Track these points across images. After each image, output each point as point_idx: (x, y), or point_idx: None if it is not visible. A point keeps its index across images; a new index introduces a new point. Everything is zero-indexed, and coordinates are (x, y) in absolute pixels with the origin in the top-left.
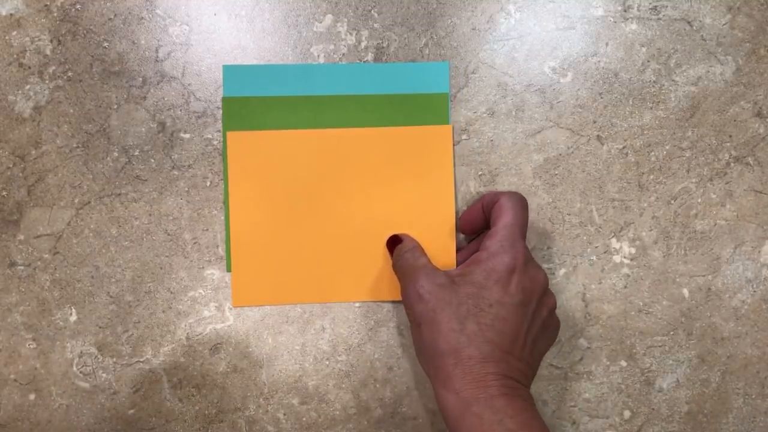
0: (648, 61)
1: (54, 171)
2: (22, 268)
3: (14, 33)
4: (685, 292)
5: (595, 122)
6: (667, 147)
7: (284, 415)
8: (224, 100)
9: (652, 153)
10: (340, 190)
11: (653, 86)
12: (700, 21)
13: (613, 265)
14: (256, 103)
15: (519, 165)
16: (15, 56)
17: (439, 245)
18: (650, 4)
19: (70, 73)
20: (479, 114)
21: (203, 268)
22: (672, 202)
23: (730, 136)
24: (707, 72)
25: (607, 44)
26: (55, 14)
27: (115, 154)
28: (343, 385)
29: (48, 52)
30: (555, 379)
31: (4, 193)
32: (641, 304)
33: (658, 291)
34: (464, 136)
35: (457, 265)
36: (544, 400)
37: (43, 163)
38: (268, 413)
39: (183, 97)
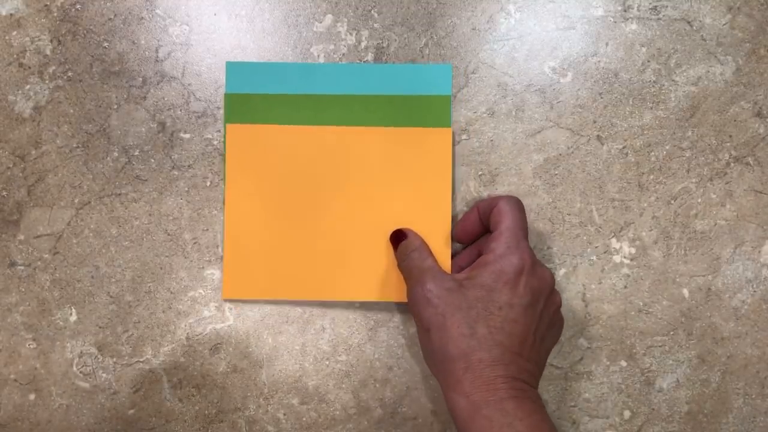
0: (648, 61)
1: (54, 171)
2: (22, 268)
3: (14, 33)
4: (685, 292)
5: (595, 122)
6: (667, 147)
7: (284, 415)
8: (226, 96)
9: (652, 153)
10: (338, 187)
11: (653, 86)
12: (700, 21)
13: (613, 265)
14: (257, 101)
15: (519, 165)
16: (15, 56)
17: (435, 246)
18: (650, 4)
19: (70, 73)
20: (479, 114)
21: (203, 268)
22: (672, 202)
23: (730, 136)
24: (707, 72)
25: (607, 44)
26: (55, 14)
27: (115, 154)
28: (343, 385)
29: (48, 52)
30: (555, 379)
31: (4, 193)
32: (641, 304)
33: (658, 291)
34: (464, 136)
35: (456, 269)
36: (544, 400)
37: (43, 163)
38: (268, 413)
39: (183, 97)
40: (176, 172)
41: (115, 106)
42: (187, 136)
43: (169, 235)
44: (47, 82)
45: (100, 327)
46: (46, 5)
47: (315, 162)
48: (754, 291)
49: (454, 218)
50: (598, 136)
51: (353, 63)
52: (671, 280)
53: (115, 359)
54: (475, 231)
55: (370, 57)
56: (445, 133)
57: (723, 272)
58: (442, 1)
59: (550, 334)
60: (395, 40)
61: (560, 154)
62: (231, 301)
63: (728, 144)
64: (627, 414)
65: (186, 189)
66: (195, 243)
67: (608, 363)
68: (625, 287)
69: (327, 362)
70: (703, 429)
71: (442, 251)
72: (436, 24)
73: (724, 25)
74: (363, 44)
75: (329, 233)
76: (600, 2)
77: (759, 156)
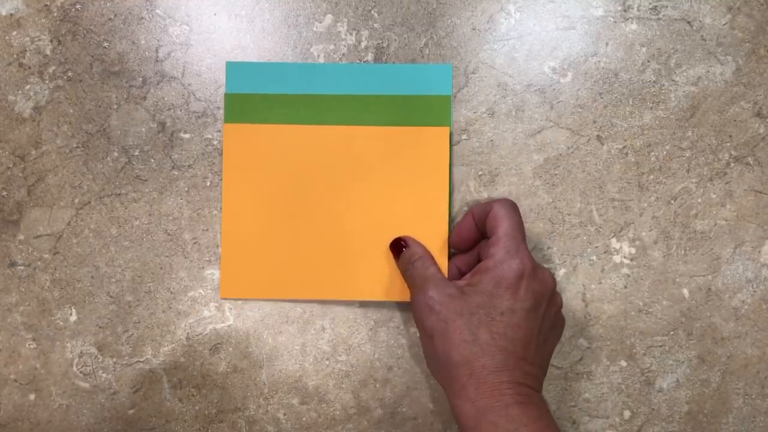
0: (648, 61)
1: (54, 171)
2: (22, 268)
3: (14, 33)
4: (685, 292)
5: (595, 122)
6: (667, 147)
7: (284, 415)
8: (226, 96)
9: (652, 153)
10: (335, 186)
11: (653, 86)
12: (700, 21)
13: (613, 265)
14: (257, 101)
15: (519, 165)
16: (15, 56)
17: (433, 247)
18: (650, 4)
19: (70, 73)
20: (479, 114)
21: (203, 268)
22: (672, 202)
23: (730, 136)
24: (707, 72)
25: (607, 44)
26: (55, 14)
27: (115, 154)
28: (343, 385)
29: (48, 52)
30: (555, 379)
31: (4, 193)
32: (641, 304)
33: (658, 291)
34: (464, 136)
35: (454, 272)
36: (545, 400)
37: (43, 163)
38: (268, 413)
39: (183, 97)
40: (176, 172)
41: (115, 106)
42: (187, 136)
43: (169, 235)
44: (47, 82)
45: (100, 327)
46: (46, 5)
47: (312, 161)
48: (754, 291)
49: (453, 219)
50: (598, 136)
51: (353, 63)
52: (671, 280)
53: (115, 359)
54: (471, 237)
55: (370, 57)
56: (442, 132)
57: (723, 272)
58: (442, 1)
59: (552, 335)
60: (395, 40)
61: (560, 154)
62: (229, 300)
63: (728, 144)
64: (627, 414)
65: (186, 189)
66: (195, 243)
67: (608, 363)
68: (625, 287)
69: (327, 362)
70: (703, 429)
71: (439, 252)
72: (436, 24)
73: (724, 25)
74: (363, 44)
75: (326, 232)
76: (600, 2)
77: (759, 156)
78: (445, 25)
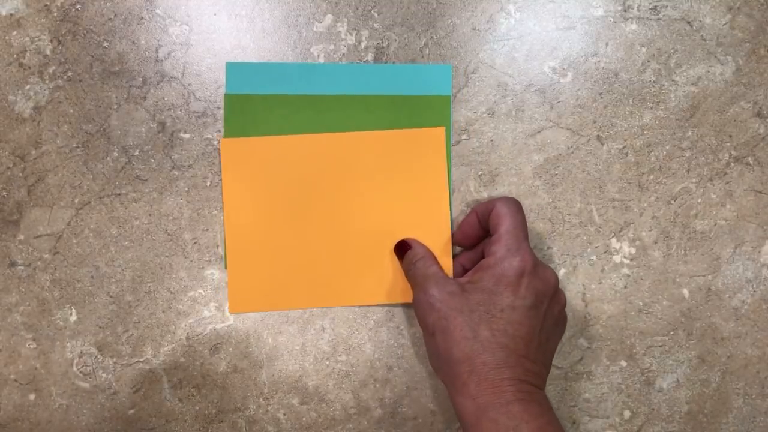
0: (648, 61)
1: (54, 171)
2: (22, 268)
3: (14, 33)
4: (685, 292)
5: (595, 122)
6: (667, 147)
7: (284, 415)
8: (226, 96)
9: (652, 153)
10: (336, 194)
11: (653, 86)
12: (700, 21)
13: (613, 265)
14: (258, 101)
15: (519, 165)
16: (15, 56)
17: (436, 247)
18: (650, 4)
19: (70, 73)
20: (479, 114)
21: (203, 268)
22: (672, 202)
23: (730, 136)
24: (707, 72)
25: (607, 44)
26: (55, 14)
27: (115, 154)
28: (343, 385)
29: (48, 52)
30: (555, 379)
31: (4, 193)
32: (641, 304)
33: (658, 291)
34: (464, 136)
35: (458, 270)
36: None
37: (43, 163)
38: (268, 413)
39: (183, 97)
40: (176, 172)
41: (115, 106)
42: (187, 136)
43: (169, 235)
44: (47, 82)
45: (100, 327)
46: (46, 5)
47: (311, 171)
48: (754, 291)
49: (454, 219)
50: (598, 136)
51: (353, 63)
52: (671, 280)
53: (115, 359)
54: (475, 234)
55: (370, 57)
56: (439, 132)
57: (723, 272)
58: (442, 1)
59: (555, 333)
60: (395, 40)
61: (560, 154)
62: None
63: (728, 144)
64: (627, 414)
65: (186, 189)
66: (195, 243)
67: (608, 363)
68: (625, 287)
69: (327, 362)
70: (703, 429)
71: (443, 251)
72: (436, 24)
73: (724, 25)
74: (363, 44)
75: (330, 240)
76: (600, 2)
77: (759, 156)
78: (445, 25)
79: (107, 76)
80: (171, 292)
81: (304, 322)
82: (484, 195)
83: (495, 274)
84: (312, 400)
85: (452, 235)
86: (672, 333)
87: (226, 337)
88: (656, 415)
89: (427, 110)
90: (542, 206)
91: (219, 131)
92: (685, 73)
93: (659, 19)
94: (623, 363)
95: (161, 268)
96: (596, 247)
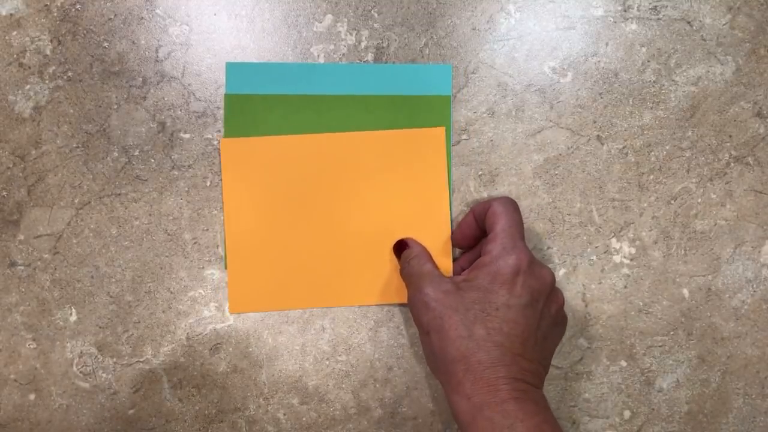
0: (648, 61)
1: (54, 171)
2: (22, 268)
3: (14, 33)
4: (685, 292)
5: (595, 122)
6: (667, 147)
7: (284, 415)
8: (226, 97)
9: (652, 153)
10: (336, 195)
11: (653, 86)
12: (700, 21)
13: (613, 265)
14: (258, 101)
15: (519, 165)
16: (15, 56)
17: (436, 247)
18: (650, 4)
19: (70, 73)
20: (479, 114)
21: (203, 268)
22: (672, 202)
23: (730, 136)
24: (707, 72)
25: (607, 44)
26: (55, 14)
27: (115, 154)
28: (343, 385)
29: (48, 52)
30: (555, 379)
31: (4, 193)
32: (641, 304)
33: (658, 291)
34: (464, 136)
35: (457, 271)
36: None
37: (43, 163)
38: (268, 413)
39: (183, 97)
40: (176, 172)
41: (115, 106)
42: (187, 136)
43: (169, 235)
44: (47, 82)
45: (100, 327)
46: (46, 5)
47: (311, 171)
48: (754, 291)
49: (454, 219)
50: (598, 136)
51: (353, 63)
52: (671, 280)
53: (115, 359)
54: (473, 235)
55: (370, 57)
56: (438, 132)
57: (723, 272)
58: (442, 1)
59: (553, 333)
60: (395, 40)
61: (560, 154)
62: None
63: (728, 144)
64: (627, 414)
65: (186, 189)
66: (195, 243)
67: (608, 363)
68: (625, 287)
69: (327, 362)
70: (703, 429)
71: (443, 251)
72: (436, 24)
73: (724, 25)
74: (363, 44)
75: (330, 241)
76: (600, 2)
77: (759, 156)
78: (445, 25)
79: (107, 76)
80: (171, 292)
81: (304, 322)
82: (484, 195)
83: (490, 272)
84: (312, 400)
85: (451, 235)
86: (672, 333)
87: (226, 337)
88: (656, 415)
89: (427, 110)
90: (542, 206)
91: (219, 131)
92: (685, 73)
93: (659, 19)
94: (623, 363)
95: (161, 268)
96: (596, 247)
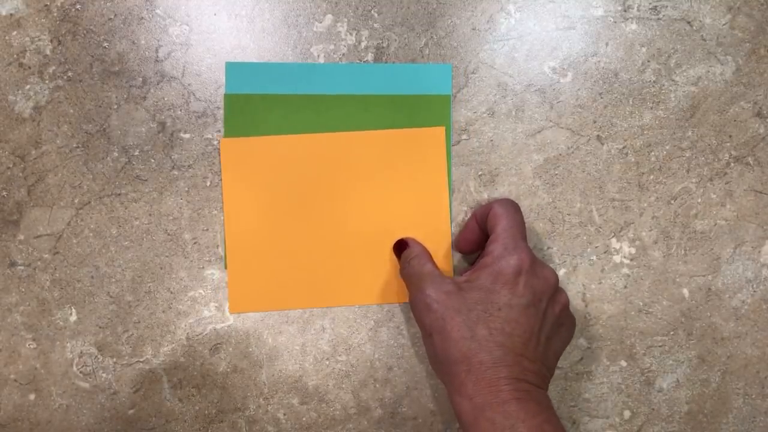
0: (648, 61)
1: (54, 171)
2: (22, 268)
3: (14, 33)
4: (685, 292)
5: (595, 122)
6: (667, 147)
7: (284, 415)
8: (226, 97)
9: (652, 153)
10: (336, 194)
11: (653, 86)
12: (700, 21)
13: (613, 265)
14: (257, 101)
15: (519, 165)
16: (15, 56)
17: (436, 247)
18: (650, 4)
19: (70, 73)
20: (479, 114)
21: (203, 268)
22: (672, 202)
23: (730, 136)
24: (707, 72)
25: (607, 44)
26: (55, 14)
27: (115, 154)
28: (343, 385)
29: (48, 52)
30: (555, 379)
31: (4, 193)
32: (641, 304)
33: (658, 291)
34: (464, 136)
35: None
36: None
37: (43, 163)
38: (268, 413)
39: (183, 97)
40: (176, 172)
41: (115, 106)
42: (187, 136)
43: (169, 235)
44: (47, 82)
45: (100, 327)
46: (46, 5)
47: (311, 171)
48: (754, 291)
49: (454, 218)
50: (598, 136)
51: (353, 63)
52: (671, 280)
53: (115, 359)
54: (476, 240)
55: (370, 57)
56: (438, 132)
57: (723, 272)
58: (442, 1)
59: (558, 334)
60: (395, 40)
61: (560, 154)
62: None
63: (728, 144)
64: (627, 414)
65: (186, 189)
66: (195, 243)
67: (608, 363)
68: (625, 287)
69: (327, 362)
70: (703, 429)
71: (443, 251)
72: (436, 24)
73: (724, 25)
74: (363, 44)
75: (330, 240)
76: (600, 2)
77: (759, 156)
78: (445, 25)
79: (107, 76)
80: (171, 292)
81: (304, 322)
82: (484, 195)
83: (492, 272)
84: (312, 400)
85: (454, 240)
86: (672, 333)
87: (226, 337)
88: (656, 415)
89: (426, 110)
90: (542, 206)
91: (219, 131)
92: (685, 73)
93: (659, 19)
94: (623, 363)
95: (161, 268)
96: (596, 247)
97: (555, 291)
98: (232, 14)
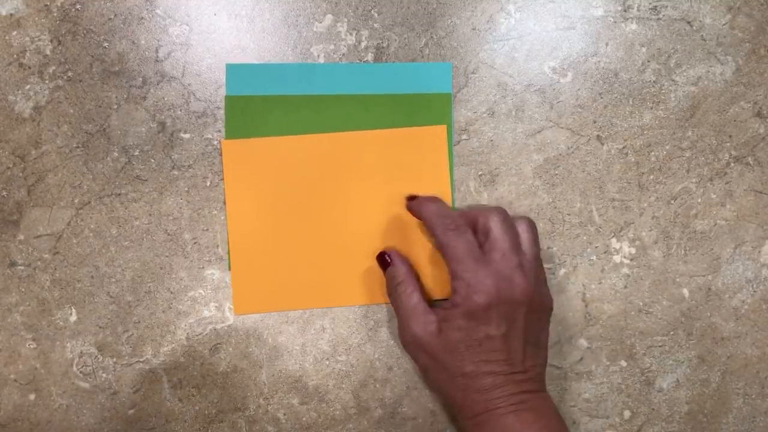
0: (648, 61)
1: (54, 171)
2: (22, 268)
3: (14, 33)
4: (685, 292)
5: (595, 122)
6: (667, 147)
7: (284, 415)
8: (227, 98)
9: (652, 153)
10: (339, 194)
11: (653, 86)
12: (700, 21)
13: (613, 265)
14: (258, 102)
15: (519, 165)
16: (15, 56)
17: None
18: (650, 4)
19: (70, 73)
20: (479, 114)
21: (203, 268)
22: (672, 202)
23: (730, 136)
24: (707, 72)
25: (607, 44)
26: (55, 14)
27: (115, 154)
28: (343, 385)
29: (48, 52)
30: (555, 379)
31: (4, 193)
32: (641, 304)
33: (658, 291)
34: (464, 136)
35: None
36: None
37: (43, 163)
38: (268, 413)
39: (183, 97)
40: (176, 172)
41: (115, 106)
42: (187, 136)
43: (169, 235)
44: (47, 82)
45: (100, 327)
46: (46, 5)
47: (313, 171)
48: (754, 291)
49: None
50: (598, 136)
51: (353, 63)
52: (671, 280)
53: (115, 359)
54: None
55: (370, 57)
56: (439, 131)
57: (723, 272)
58: (442, 1)
59: (542, 329)
60: (395, 40)
61: (560, 154)
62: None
63: (728, 144)
64: (627, 414)
65: (186, 189)
66: (195, 243)
67: (608, 363)
68: (625, 287)
69: (327, 362)
70: (703, 429)
71: None
72: (436, 24)
73: (724, 25)
74: (363, 44)
75: (333, 240)
76: (600, 2)
77: (759, 156)
78: (445, 25)
79: (107, 76)
80: (171, 292)
81: (304, 322)
82: (484, 195)
83: (464, 312)
84: (312, 400)
85: None
86: (672, 333)
87: (226, 337)
88: (656, 415)
89: (427, 108)
90: (542, 206)
91: (219, 131)
92: (685, 73)
93: (659, 19)
94: (623, 363)
95: (161, 268)
96: (596, 247)
97: (527, 303)
98: (232, 14)
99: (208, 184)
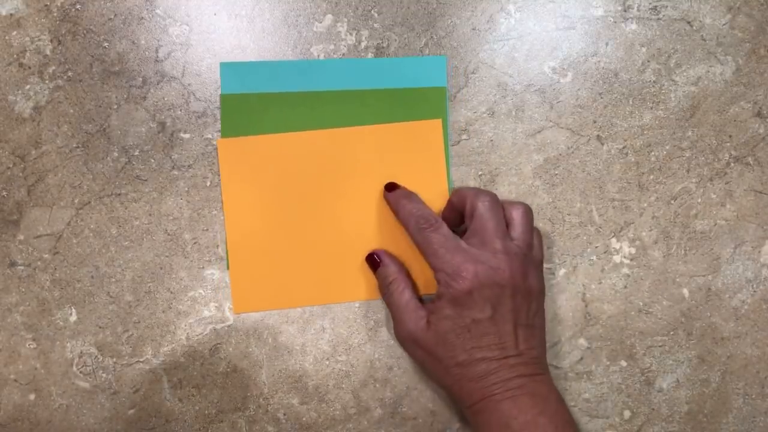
0: (648, 61)
1: (54, 171)
2: (22, 268)
3: (14, 33)
4: (685, 292)
5: (595, 122)
6: (667, 147)
7: (284, 415)
8: (222, 97)
9: (652, 153)
10: (335, 191)
11: (653, 86)
12: (700, 21)
13: (613, 265)
14: (254, 100)
15: (519, 165)
16: (15, 56)
17: None
18: (650, 4)
19: (70, 73)
20: (479, 114)
21: (203, 268)
22: (672, 202)
23: (730, 136)
24: (707, 72)
25: (607, 44)
26: (55, 14)
27: (115, 154)
28: (343, 385)
29: (48, 52)
30: (555, 379)
31: (4, 193)
32: (641, 304)
33: (658, 291)
34: (464, 136)
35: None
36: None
37: (43, 163)
38: (268, 413)
39: (183, 97)
40: (176, 172)
41: (115, 106)
42: (187, 136)
43: (169, 235)
44: (47, 82)
45: (100, 327)
46: (46, 5)
47: (310, 168)
48: (754, 291)
49: None
50: (598, 136)
51: (347, 58)
52: (671, 280)
53: (115, 359)
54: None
55: (370, 57)
56: (435, 125)
57: (723, 272)
58: (442, 1)
59: (537, 310)
60: (395, 40)
61: (560, 154)
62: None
63: (728, 144)
64: (627, 414)
65: (186, 189)
66: (195, 243)
67: (608, 363)
68: (625, 287)
69: (327, 362)
70: (703, 429)
71: None
72: (436, 24)
73: (724, 25)
74: (363, 44)
75: (330, 237)
76: (600, 2)
77: (759, 156)
78: (445, 25)
79: (107, 76)
80: (171, 292)
81: (304, 322)
82: None
83: (448, 302)
84: (312, 400)
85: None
86: (672, 333)
87: (226, 337)
88: (656, 415)
89: (422, 102)
90: (542, 206)
91: (219, 131)
92: (685, 73)
93: (659, 19)
94: (623, 363)
95: (161, 268)
96: (596, 247)
97: (514, 279)
98: (232, 14)
99: (208, 184)
